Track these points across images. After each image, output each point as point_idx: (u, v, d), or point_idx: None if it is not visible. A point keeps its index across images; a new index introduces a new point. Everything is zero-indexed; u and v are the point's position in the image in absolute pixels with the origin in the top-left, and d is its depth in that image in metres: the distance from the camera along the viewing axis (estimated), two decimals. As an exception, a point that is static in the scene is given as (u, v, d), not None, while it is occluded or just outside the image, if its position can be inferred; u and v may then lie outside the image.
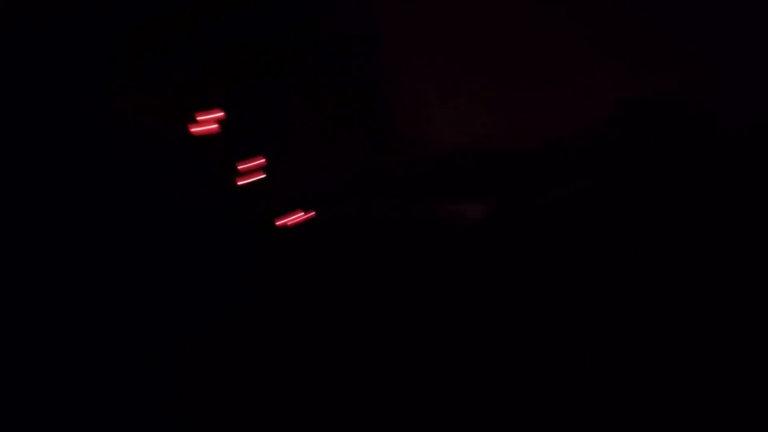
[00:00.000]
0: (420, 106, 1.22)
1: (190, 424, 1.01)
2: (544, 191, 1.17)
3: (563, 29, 1.21)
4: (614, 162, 1.19)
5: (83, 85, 1.22)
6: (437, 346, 1.05)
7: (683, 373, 1.03)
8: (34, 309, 1.06)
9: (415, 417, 1.00)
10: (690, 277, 1.11)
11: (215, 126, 1.09)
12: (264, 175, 1.17)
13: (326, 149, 1.20)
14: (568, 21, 1.22)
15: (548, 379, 1.03)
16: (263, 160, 1.18)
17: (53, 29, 1.22)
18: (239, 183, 1.16)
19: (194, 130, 1.07)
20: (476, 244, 1.13)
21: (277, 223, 1.12)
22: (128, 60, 1.24)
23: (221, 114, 1.10)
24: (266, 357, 1.05)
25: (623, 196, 1.16)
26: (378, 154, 1.19)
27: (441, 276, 1.11)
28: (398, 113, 1.22)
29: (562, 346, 1.06)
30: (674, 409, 1.01)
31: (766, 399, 1.00)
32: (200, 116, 1.09)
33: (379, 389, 1.02)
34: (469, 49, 1.25)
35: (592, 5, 1.21)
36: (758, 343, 1.04)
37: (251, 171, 1.18)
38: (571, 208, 1.16)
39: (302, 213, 1.14)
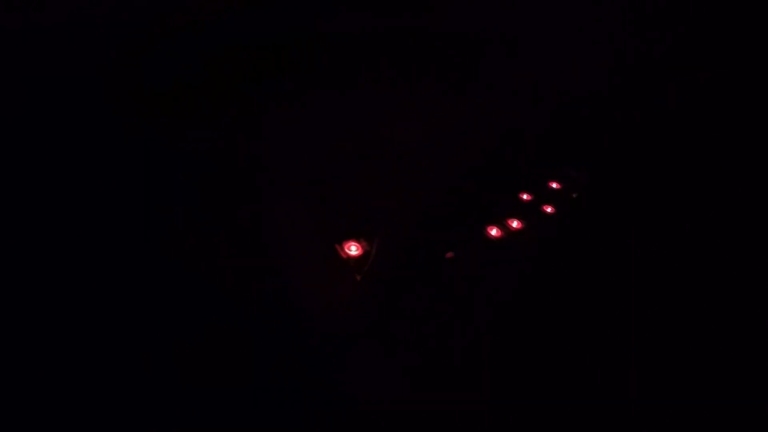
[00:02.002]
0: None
1: (190, 424, 1.01)
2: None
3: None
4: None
5: (84, 85, 1.22)
6: (435, 346, 1.06)
7: (683, 373, 1.03)
8: (34, 308, 1.06)
9: (415, 417, 1.00)
10: (689, 276, 1.11)
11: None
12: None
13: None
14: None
15: (548, 379, 1.03)
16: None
17: (53, 29, 1.22)
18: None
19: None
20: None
21: None
22: (128, 60, 1.24)
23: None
24: (266, 357, 1.05)
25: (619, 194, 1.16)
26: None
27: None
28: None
29: (561, 346, 1.06)
30: (674, 409, 1.01)
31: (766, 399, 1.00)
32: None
33: (380, 389, 1.02)
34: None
35: None
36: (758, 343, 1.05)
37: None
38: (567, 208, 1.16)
39: None
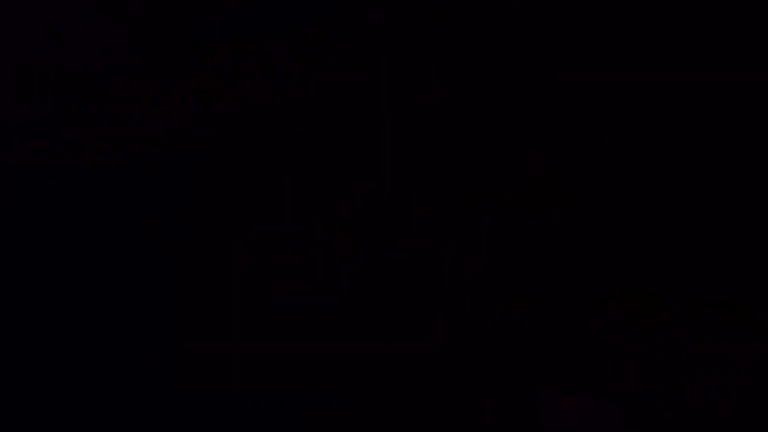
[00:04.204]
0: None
1: (190, 424, 1.01)
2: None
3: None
4: None
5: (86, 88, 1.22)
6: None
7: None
8: (34, 308, 1.06)
9: (415, 418, 1.00)
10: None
11: None
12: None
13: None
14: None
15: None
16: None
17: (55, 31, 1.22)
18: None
19: None
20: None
21: None
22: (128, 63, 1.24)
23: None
24: (267, 357, 1.05)
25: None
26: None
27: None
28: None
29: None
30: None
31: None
32: None
33: (380, 391, 1.03)
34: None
35: None
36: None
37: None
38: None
39: None
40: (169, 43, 1.25)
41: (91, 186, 1.16)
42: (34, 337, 1.04)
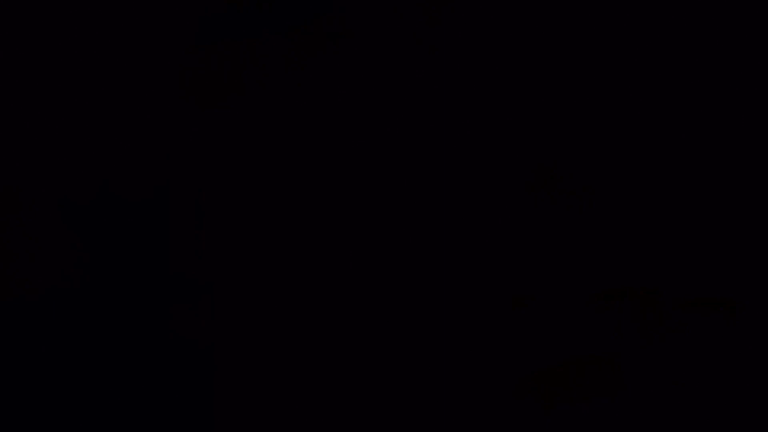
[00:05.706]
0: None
1: (192, 424, 1.01)
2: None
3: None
4: None
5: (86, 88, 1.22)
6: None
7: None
8: (35, 308, 1.06)
9: (413, 417, 1.00)
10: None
11: None
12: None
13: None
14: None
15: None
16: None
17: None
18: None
19: None
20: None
21: None
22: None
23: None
24: (267, 357, 1.05)
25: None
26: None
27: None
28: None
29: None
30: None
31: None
32: None
33: (379, 390, 1.03)
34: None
35: None
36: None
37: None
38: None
39: None
40: (169, 43, 1.25)
41: (91, 186, 1.16)
42: (33, 335, 1.04)
